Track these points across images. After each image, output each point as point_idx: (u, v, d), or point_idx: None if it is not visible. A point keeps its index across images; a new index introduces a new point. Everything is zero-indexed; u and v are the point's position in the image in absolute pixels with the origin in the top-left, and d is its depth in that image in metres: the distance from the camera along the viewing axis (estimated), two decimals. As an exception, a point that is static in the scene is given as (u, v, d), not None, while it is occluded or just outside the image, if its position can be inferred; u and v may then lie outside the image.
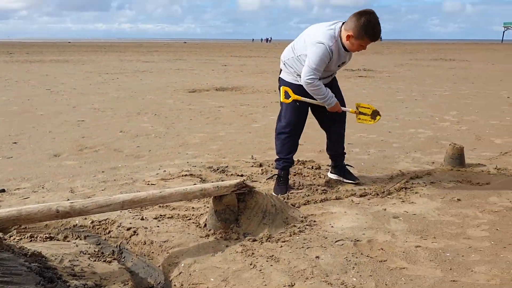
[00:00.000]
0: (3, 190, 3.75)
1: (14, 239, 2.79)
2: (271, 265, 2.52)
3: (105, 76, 14.34)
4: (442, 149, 5.05)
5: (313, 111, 3.84)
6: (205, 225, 2.97)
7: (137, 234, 2.90)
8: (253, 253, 2.64)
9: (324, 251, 2.68)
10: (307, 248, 2.71)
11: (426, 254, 2.67)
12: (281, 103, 3.78)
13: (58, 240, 2.85)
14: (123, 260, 2.68)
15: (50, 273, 2.12)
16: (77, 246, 2.71)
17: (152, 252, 2.73)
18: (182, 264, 2.57)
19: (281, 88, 3.70)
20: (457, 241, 2.84)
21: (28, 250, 2.33)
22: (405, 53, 34.07)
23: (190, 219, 3.12)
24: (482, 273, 2.45)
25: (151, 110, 7.89)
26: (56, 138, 5.76)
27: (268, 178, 4.05)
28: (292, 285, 2.33)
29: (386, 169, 4.40)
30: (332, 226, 3.04)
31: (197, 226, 3.01)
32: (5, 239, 2.60)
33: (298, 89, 3.62)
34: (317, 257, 2.60)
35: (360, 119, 3.83)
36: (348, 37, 3.38)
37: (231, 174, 4.18)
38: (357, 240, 2.82)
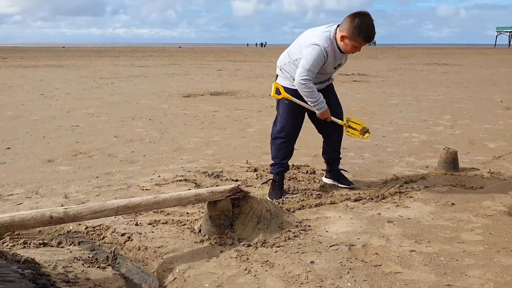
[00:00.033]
0: (-4, 196, 3.73)
1: (7, 245, 2.78)
2: (266, 270, 2.51)
3: (100, 81, 14.31)
4: (436, 153, 5.07)
5: (310, 116, 3.84)
6: (200, 230, 2.96)
7: (131, 240, 2.89)
8: (247, 259, 2.64)
9: (319, 256, 2.68)
10: (302, 253, 2.71)
11: (421, 258, 2.67)
12: (277, 108, 3.78)
13: (51, 246, 2.83)
14: (117, 266, 2.67)
15: (44, 280, 2.11)
16: (71, 252, 2.69)
17: (147, 258, 2.72)
18: (177, 270, 2.56)
19: (273, 84, 3.71)
20: (451, 245, 2.85)
21: (21, 256, 2.31)
22: (399, 58, 34.23)
23: (184, 224, 3.11)
24: (476, 277, 2.46)
25: (146, 115, 7.88)
26: (50, 143, 5.74)
27: (263, 183, 4.05)
28: (287, 290, 2.33)
29: (381, 173, 4.41)
30: (326, 231, 3.05)
31: (192, 231, 3.00)
32: (-2, 246, 2.58)
33: (294, 93, 3.63)
34: (312, 262, 2.60)
35: (348, 132, 3.83)
36: (342, 37, 3.39)
37: (226, 179, 4.18)
38: (352, 245, 2.82)
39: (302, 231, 3.02)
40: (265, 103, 9.36)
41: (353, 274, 2.47)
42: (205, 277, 2.47)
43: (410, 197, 3.72)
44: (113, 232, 2.99)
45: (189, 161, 4.85)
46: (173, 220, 3.19)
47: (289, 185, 3.97)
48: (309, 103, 3.57)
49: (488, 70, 19.87)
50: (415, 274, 2.50)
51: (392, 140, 5.94)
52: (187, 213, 3.32)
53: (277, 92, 3.67)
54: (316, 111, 3.60)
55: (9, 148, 5.46)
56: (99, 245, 2.88)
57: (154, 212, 3.28)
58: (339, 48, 3.47)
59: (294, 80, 3.58)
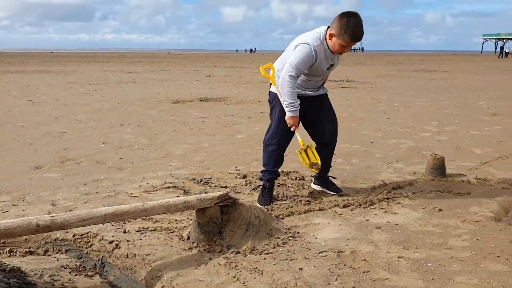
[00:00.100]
0: (-18, 204, 3.69)
1: (-7, 254, 2.75)
2: (255, 278, 2.51)
3: (88, 87, 14.24)
4: (423, 159, 5.11)
5: (304, 123, 3.84)
6: (188, 237, 2.95)
7: (119, 248, 2.87)
8: (236, 266, 2.63)
9: (308, 262, 2.68)
10: (291, 260, 2.71)
11: (409, 264, 2.69)
12: (271, 115, 3.79)
13: (38, 254, 2.80)
14: (105, 274, 2.65)
15: (30, 288, 2.09)
16: (57, 260, 2.67)
17: (135, 266, 2.71)
18: (165, 278, 2.55)
19: (265, 65, 3.72)
20: (439, 251, 2.87)
21: (7, 265, 2.29)
22: (387, 64, 34.52)
23: (173, 231, 3.10)
24: (463, 283, 2.48)
25: (134, 121, 7.85)
26: (37, 150, 5.69)
27: (253, 189, 4.06)
28: (276, 298, 2.33)
29: (369, 179, 4.44)
30: (315, 237, 3.05)
31: (180, 239, 2.99)
32: (-16, 254, 2.55)
33: None
34: (301, 269, 2.60)
35: (301, 153, 3.73)
36: (330, 36, 3.39)
37: (215, 186, 4.17)
38: (340, 251, 2.83)
39: (291, 238, 3.02)
40: (255, 109, 9.38)
41: (342, 281, 2.48)
42: (194, 285, 2.46)
43: (398, 203, 3.75)
44: (101, 239, 2.97)
45: (177, 168, 4.84)
46: (161, 227, 3.17)
47: (278, 191, 3.97)
48: (284, 103, 3.51)
49: (474, 77, 20.12)
50: (403, 280, 2.51)
51: (380, 146, 5.98)
52: (176, 220, 3.31)
53: (267, 71, 3.71)
54: (287, 113, 3.53)
55: (-5, 154, 5.41)
56: (87, 253, 2.86)
57: (143, 219, 3.26)
58: (329, 48, 3.47)
59: None
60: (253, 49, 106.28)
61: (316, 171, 3.79)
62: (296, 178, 4.40)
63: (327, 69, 3.58)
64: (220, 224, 2.93)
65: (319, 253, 2.80)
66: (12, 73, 20.71)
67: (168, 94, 12.36)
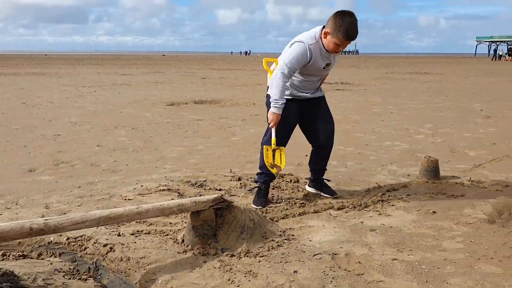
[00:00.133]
0: (-25, 207, 3.66)
1: (-14, 257, 2.73)
2: (249, 281, 2.51)
3: (82, 89, 14.19)
4: (417, 161, 5.13)
5: (301, 126, 3.85)
6: (183, 240, 2.95)
7: (113, 251, 2.86)
8: (231, 269, 2.63)
9: (302, 265, 2.68)
10: (285, 262, 2.71)
11: (403, 266, 2.70)
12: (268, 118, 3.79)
13: (31, 258, 2.79)
14: (99, 277, 2.63)
15: (23, 292, 2.07)
16: (51, 264, 2.65)
17: (129, 269, 2.70)
18: (160, 281, 2.54)
19: (271, 59, 3.73)
20: (433, 253, 2.88)
21: (0, 269, 2.27)
22: (381, 67, 34.65)
23: (167, 234, 3.09)
24: (457, 285, 2.49)
25: (129, 124, 7.83)
26: (31, 152, 5.66)
27: (249, 190, 4.06)
28: (270, 300, 2.33)
29: (363, 181, 4.45)
30: (310, 240, 3.05)
31: (175, 241, 2.98)
32: (-23, 258, 2.53)
33: (286, 104, 3.64)
34: (295, 271, 2.60)
35: (267, 150, 3.66)
36: (325, 34, 3.40)
37: (209, 188, 4.17)
38: (335, 254, 2.83)
39: (285, 241, 3.02)
40: (250, 112, 9.38)
41: (336, 283, 2.48)
42: (188, 288, 2.45)
43: (392, 205, 3.76)
44: (95, 242, 2.96)
45: (172, 171, 4.83)
46: (156, 230, 3.16)
47: (273, 194, 3.97)
48: (270, 98, 3.51)
49: (468, 79, 20.23)
50: (397, 282, 2.52)
51: (375, 148, 5.99)
52: (170, 223, 3.30)
53: (268, 64, 3.74)
54: (271, 108, 3.52)
55: (-12, 157, 5.37)
56: (81, 256, 2.85)
57: (137, 222, 3.25)
58: (325, 47, 3.46)
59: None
60: (248, 51, 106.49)
61: (274, 173, 3.70)
62: (291, 181, 4.40)
63: (324, 68, 3.57)
64: (214, 227, 2.92)
65: (314, 255, 2.81)
66: (5, 76, 20.62)
67: (162, 96, 12.34)
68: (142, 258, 2.76)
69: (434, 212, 3.60)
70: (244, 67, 32.97)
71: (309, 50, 3.40)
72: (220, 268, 2.64)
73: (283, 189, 4.18)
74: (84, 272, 2.63)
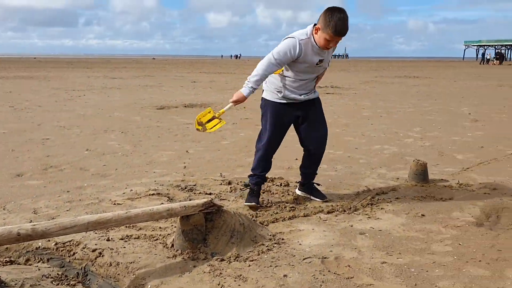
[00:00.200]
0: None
1: (-27, 263, 2.70)
2: (239, 285, 2.50)
3: (72, 93, 14.10)
4: (406, 165, 5.16)
5: (297, 128, 3.87)
6: (173, 245, 2.94)
7: (102, 256, 2.84)
8: (221, 273, 2.63)
9: (292, 269, 2.68)
10: (275, 266, 2.72)
11: (392, 270, 2.71)
12: (262, 120, 3.81)
13: (19, 263, 2.76)
14: (88, 283, 2.62)
15: (10, 299, 2.06)
16: (39, 269, 2.63)
17: (118, 274, 2.68)
18: (149, 286, 2.53)
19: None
20: (422, 256, 2.90)
21: (-13, 275, 2.25)
22: (370, 71, 34.86)
23: (157, 239, 3.08)
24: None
25: (118, 128, 7.79)
26: (19, 157, 5.61)
27: (242, 189, 4.10)
28: (260, 305, 2.33)
29: (353, 185, 4.47)
30: (300, 244, 3.06)
31: (164, 246, 2.97)
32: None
33: (278, 107, 3.67)
34: (285, 275, 2.61)
35: (210, 112, 3.77)
36: (316, 30, 3.41)
37: (199, 193, 4.16)
38: (325, 257, 2.84)
39: (275, 245, 3.03)
40: (240, 115, 9.39)
41: (326, 287, 2.49)
42: (178, 293, 2.44)
43: (381, 208, 3.78)
44: (83, 248, 2.94)
45: (162, 175, 4.81)
46: (145, 235, 3.15)
47: (263, 198, 3.98)
48: (248, 80, 3.54)
49: (457, 83, 20.42)
50: (386, 286, 2.53)
51: (364, 152, 6.02)
52: (160, 227, 3.29)
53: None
54: (242, 89, 3.56)
55: (-24, 162, 5.32)
56: (69, 261, 2.83)
57: (126, 227, 3.23)
58: (317, 43, 3.47)
59: (278, 91, 3.65)
60: (239, 55, 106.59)
61: (196, 128, 3.76)
62: (281, 185, 4.41)
63: (317, 64, 3.56)
64: (204, 231, 2.92)
65: (304, 259, 2.81)
66: (-7, 79, 20.43)
67: (152, 100, 12.31)
68: (131, 263, 2.74)
69: (422, 215, 3.62)
70: (235, 70, 32.99)
71: (299, 45, 3.42)
72: (210, 272, 2.64)
73: (273, 193, 4.18)
74: (72, 278, 2.61)
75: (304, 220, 3.51)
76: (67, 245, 2.97)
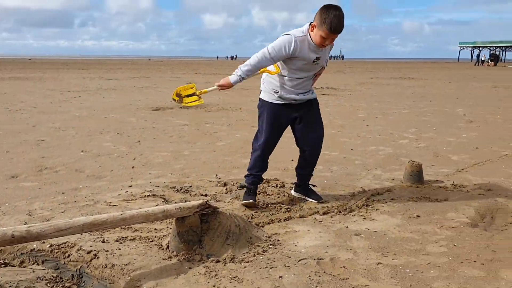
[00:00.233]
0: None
1: (-33, 266, 2.68)
2: (235, 286, 2.50)
3: (67, 94, 14.06)
4: (401, 166, 5.18)
5: (293, 129, 3.87)
6: (168, 247, 2.93)
7: (97, 257, 2.83)
8: (216, 275, 2.63)
9: (288, 270, 2.69)
10: (271, 268, 2.72)
11: (387, 271, 2.72)
12: (259, 121, 3.82)
13: (13, 266, 2.75)
14: (83, 284, 2.61)
15: (5, 301, 2.05)
16: (33, 271, 2.62)
17: (113, 276, 2.67)
18: (144, 287, 2.52)
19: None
20: (417, 257, 2.91)
21: (-19, 277, 2.24)
22: (366, 72, 34.95)
23: (152, 241, 3.07)
24: (440, 288, 2.52)
25: (114, 129, 7.77)
26: (14, 158, 5.59)
27: (240, 187, 4.09)
28: (256, 306, 2.33)
29: (348, 186, 4.47)
30: (295, 245, 3.06)
31: (160, 248, 2.97)
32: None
33: (275, 108, 3.67)
34: (281, 277, 2.61)
35: (192, 88, 3.81)
36: (312, 27, 3.43)
37: (195, 194, 4.16)
38: (320, 259, 2.84)
39: (271, 246, 3.03)
40: (236, 117, 9.39)
41: (321, 288, 2.49)
42: (173, 295, 2.44)
43: (376, 209, 3.79)
44: (79, 249, 2.93)
45: (157, 176, 4.80)
46: (140, 236, 3.14)
47: (258, 199, 3.97)
48: (239, 68, 3.59)
49: (451, 84, 20.50)
50: (381, 286, 2.54)
51: (360, 153, 6.04)
52: (155, 229, 3.28)
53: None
54: (231, 76, 3.61)
55: (-30, 163, 5.29)
56: (64, 263, 2.82)
57: (121, 228, 3.23)
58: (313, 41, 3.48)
59: (274, 92, 3.67)
60: (234, 56, 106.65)
61: (172, 98, 3.79)
62: (276, 186, 4.41)
63: (314, 61, 3.56)
64: (200, 233, 2.92)
65: (299, 260, 2.81)
66: (-12, 80, 20.34)
67: (148, 101, 12.29)
68: (126, 264, 2.74)
69: (418, 216, 3.64)
70: (230, 72, 32.86)
71: (294, 42, 3.43)
72: (205, 274, 2.63)
73: (269, 194, 4.18)
74: (67, 280, 2.60)
75: (299, 221, 3.51)
76: (62, 247, 2.96)
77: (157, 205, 3.75)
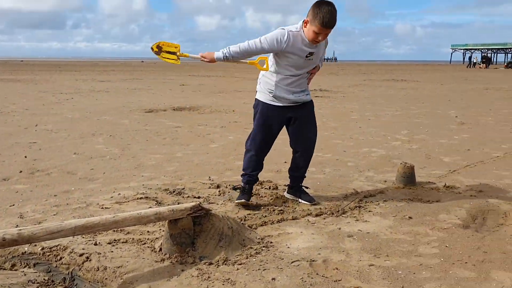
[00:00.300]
0: None
1: (-43, 269, 2.66)
2: (227, 289, 2.50)
3: (59, 96, 13.99)
4: (394, 167, 5.20)
5: (289, 130, 3.89)
6: (161, 249, 2.93)
7: (90, 260, 2.82)
8: (209, 277, 2.62)
9: (280, 272, 2.69)
10: (264, 270, 2.72)
11: (379, 272, 2.73)
12: (254, 120, 3.84)
13: (4, 269, 2.73)
14: (75, 287, 2.60)
15: (-4, 305, 2.04)
16: (25, 275, 2.60)
17: (106, 279, 2.66)
18: (137, 290, 2.51)
19: (262, 57, 3.76)
20: (409, 258, 2.92)
21: (-28, 281, 2.23)
22: (359, 74, 35.08)
23: (145, 243, 3.07)
24: (432, 289, 2.53)
25: (106, 131, 7.75)
26: (5, 161, 5.55)
27: (233, 189, 4.11)
28: (248, 308, 2.33)
29: (341, 188, 4.49)
30: (288, 247, 3.07)
31: (152, 250, 2.96)
32: None
33: (270, 108, 3.69)
34: (273, 278, 2.61)
35: (177, 48, 3.78)
36: (305, 23, 3.45)
37: (188, 196, 4.15)
38: (313, 260, 2.85)
39: (264, 248, 3.03)
40: (229, 119, 9.38)
41: (314, 290, 2.50)
42: (166, 297, 2.43)
43: (369, 211, 3.80)
44: (70, 252, 2.92)
45: (150, 178, 4.79)
46: (133, 239, 3.13)
47: (251, 201, 3.98)
48: (226, 48, 3.61)
49: (444, 86, 20.63)
50: (374, 288, 2.54)
51: (353, 155, 6.06)
52: (148, 231, 3.28)
53: (261, 63, 3.73)
54: (216, 53, 3.63)
55: (-39, 166, 5.25)
56: (56, 266, 2.80)
57: (114, 231, 3.21)
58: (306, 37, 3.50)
59: (269, 92, 3.69)
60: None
61: (152, 46, 3.80)
62: (269, 188, 4.42)
63: (307, 56, 3.57)
64: (192, 235, 2.91)
65: (292, 262, 2.82)
66: (-21, 82, 20.20)
67: (141, 103, 12.25)
68: (119, 267, 2.73)
69: (410, 217, 3.65)
70: (224, 74, 32.96)
71: (287, 35, 3.46)
72: (198, 276, 2.63)
73: (261, 196, 4.19)
74: (59, 283, 2.59)
75: (292, 223, 3.52)
76: (54, 250, 2.95)
77: (150, 207, 3.74)
